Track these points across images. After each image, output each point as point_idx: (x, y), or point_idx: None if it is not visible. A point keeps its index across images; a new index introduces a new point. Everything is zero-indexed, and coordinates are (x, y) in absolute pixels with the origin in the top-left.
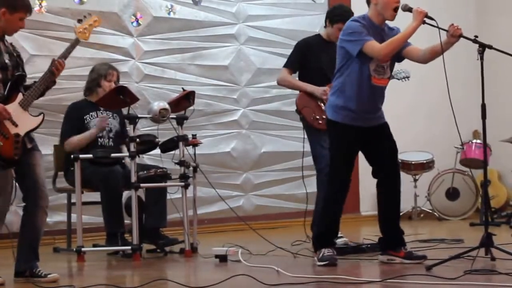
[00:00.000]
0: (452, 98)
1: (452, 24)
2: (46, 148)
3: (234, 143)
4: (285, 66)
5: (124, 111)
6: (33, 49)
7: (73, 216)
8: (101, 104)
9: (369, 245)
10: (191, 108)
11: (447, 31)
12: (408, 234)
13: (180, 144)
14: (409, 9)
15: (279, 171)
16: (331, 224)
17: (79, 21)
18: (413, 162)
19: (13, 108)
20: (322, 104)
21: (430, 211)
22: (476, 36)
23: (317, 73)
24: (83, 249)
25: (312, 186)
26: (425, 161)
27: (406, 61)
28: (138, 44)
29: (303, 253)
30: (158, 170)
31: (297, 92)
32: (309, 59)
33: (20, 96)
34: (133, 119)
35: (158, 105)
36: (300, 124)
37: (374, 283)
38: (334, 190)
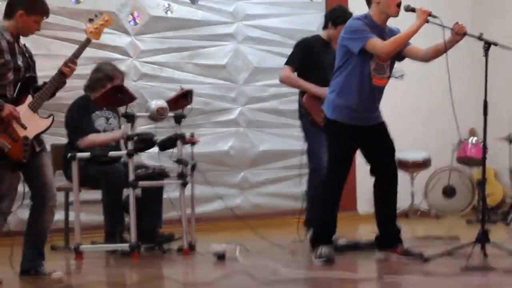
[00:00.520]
0: (447, 97)
1: (457, 23)
2: None
3: (231, 142)
4: (288, 63)
5: (122, 110)
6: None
7: (71, 215)
8: (98, 103)
9: (366, 243)
10: (189, 106)
11: (451, 29)
12: (405, 231)
13: (178, 142)
14: (412, 9)
15: (277, 169)
16: (329, 222)
17: (90, 20)
18: (410, 161)
19: (22, 110)
20: None
21: (427, 209)
22: (482, 34)
23: (318, 73)
24: (81, 247)
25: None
26: (422, 160)
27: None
28: (136, 43)
29: (301, 250)
30: (156, 168)
31: (296, 90)
32: (311, 59)
33: (29, 98)
34: (131, 118)
35: (156, 103)
36: (297, 122)
37: (371, 280)
38: (331, 188)
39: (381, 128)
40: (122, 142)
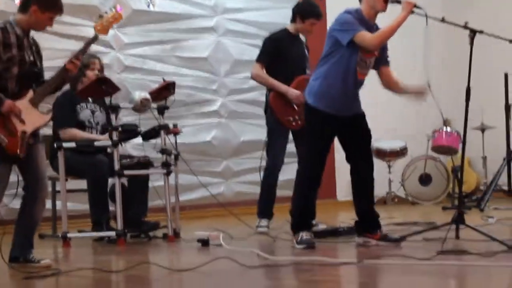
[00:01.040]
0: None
1: (422, 91)
2: None
3: (214, 132)
4: (258, 60)
5: (106, 101)
6: None
7: (58, 204)
8: (82, 95)
9: (345, 229)
10: (172, 98)
11: (437, 19)
12: (383, 218)
13: (162, 132)
14: (398, 1)
15: (258, 158)
16: (308, 208)
17: (100, 17)
18: (387, 150)
19: (22, 104)
20: (295, 104)
21: (404, 196)
22: (466, 22)
23: (287, 67)
24: (68, 235)
25: (289, 173)
26: (398, 148)
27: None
28: (119, 36)
29: (283, 236)
30: (141, 158)
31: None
32: (280, 54)
33: (30, 93)
34: (115, 109)
35: (140, 95)
36: None
37: (351, 264)
38: (310, 175)
39: (360, 118)
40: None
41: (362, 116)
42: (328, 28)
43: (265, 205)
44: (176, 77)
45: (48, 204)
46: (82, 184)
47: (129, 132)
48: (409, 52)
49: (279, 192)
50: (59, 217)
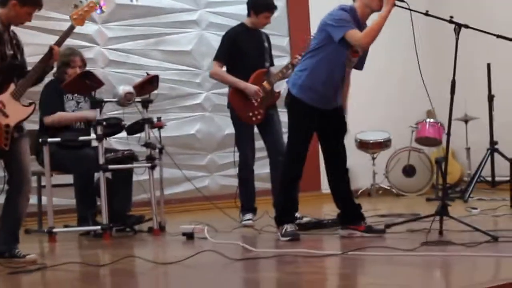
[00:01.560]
0: (405, 80)
1: None
2: None
3: (198, 126)
4: (216, 59)
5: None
6: None
7: (44, 199)
8: (67, 90)
9: (330, 221)
10: (155, 92)
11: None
12: (367, 210)
13: (146, 126)
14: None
15: None
16: (291, 200)
17: (75, 6)
18: (371, 141)
19: (4, 98)
20: (253, 99)
21: (388, 188)
22: (452, 17)
23: (246, 61)
24: (54, 229)
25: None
26: (382, 140)
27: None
28: (102, 31)
29: (267, 229)
30: (125, 152)
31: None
32: (238, 49)
33: (12, 87)
34: (99, 103)
35: (123, 89)
36: None
37: (336, 255)
38: (292, 167)
39: (339, 110)
40: (91, 128)
41: (341, 108)
42: (314, 24)
43: (246, 199)
44: (159, 71)
45: (34, 199)
46: (68, 178)
47: (113, 126)
48: (392, 43)
49: (262, 185)
50: (45, 212)
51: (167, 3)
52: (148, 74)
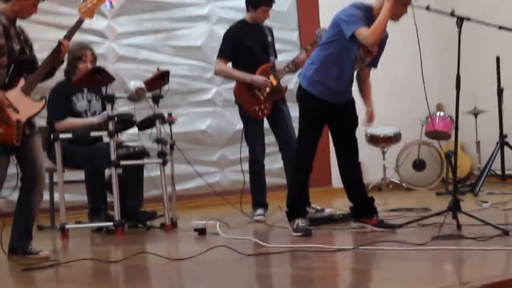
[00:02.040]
0: (414, 74)
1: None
2: None
3: (209, 121)
4: (219, 56)
5: (102, 90)
6: None
7: (56, 195)
8: (78, 85)
9: (341, 215)
10: (166, 87)
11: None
12: (378, 204)
13: (157, 122)
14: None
15: None
16: (301, 194)
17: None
18: (381, 136)
19: (15, 93)
20: (259, 94)
21: (399, 182)
22: (453, 10)
23: (250, 57)
24: (66, 226)
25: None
26: (392, 134)
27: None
28: (113, 26)
29: (279, 224)
30: (137, 148)
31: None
32: (240, 46)
33: (22, 82)
34: (111, 99)
35: (134, 84)
36: None
37: (348, 250)
38: (302, 161)
39: (350, 104)
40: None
41: (352, 102)
42: (324, 18)
43: (257, 195)
44: (170, 66)
45: (46, 195)
46: (80, 175)
47: (125, 121)
48: (399, 38)
49: (274, 180)
50: (57, 209)
51: None
52: (158, 70)
